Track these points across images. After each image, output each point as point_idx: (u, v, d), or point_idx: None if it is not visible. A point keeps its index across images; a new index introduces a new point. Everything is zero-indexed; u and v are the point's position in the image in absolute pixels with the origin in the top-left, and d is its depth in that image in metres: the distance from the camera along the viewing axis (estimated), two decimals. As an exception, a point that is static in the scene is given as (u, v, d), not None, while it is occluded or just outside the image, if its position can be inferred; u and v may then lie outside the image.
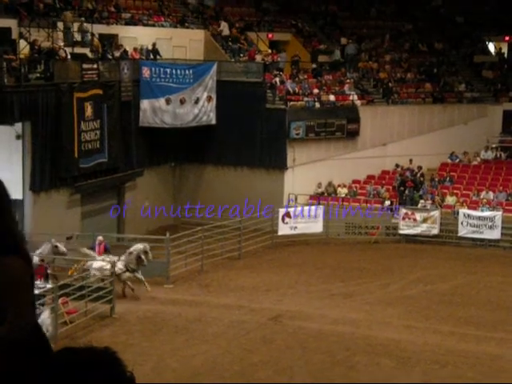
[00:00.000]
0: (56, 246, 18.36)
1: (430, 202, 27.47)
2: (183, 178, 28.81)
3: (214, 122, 27.48)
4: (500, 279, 21.16)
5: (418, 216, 26.52)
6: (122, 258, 18.11)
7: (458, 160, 30.17)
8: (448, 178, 28.99)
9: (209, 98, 27.27)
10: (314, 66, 30.85)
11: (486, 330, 16.07)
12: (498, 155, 29.97)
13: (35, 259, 17.04)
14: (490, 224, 25.63)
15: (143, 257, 17.87)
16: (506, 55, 35.04)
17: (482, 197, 27.36)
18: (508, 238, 25.50)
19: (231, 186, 27.69)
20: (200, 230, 22.80)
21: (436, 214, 26.36)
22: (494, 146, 30.44)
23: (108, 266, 17.52)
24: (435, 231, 26.24)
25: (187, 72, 26.97)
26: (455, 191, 28.12)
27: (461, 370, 13.54)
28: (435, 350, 14.46)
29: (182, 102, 26.84)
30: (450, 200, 27.54)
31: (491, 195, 27.41)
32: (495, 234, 25.57)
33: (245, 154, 27.51)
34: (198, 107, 27.16)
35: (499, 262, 23.55)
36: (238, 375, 13.34)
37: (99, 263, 17.89)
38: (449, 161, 30.23)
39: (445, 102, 31.20)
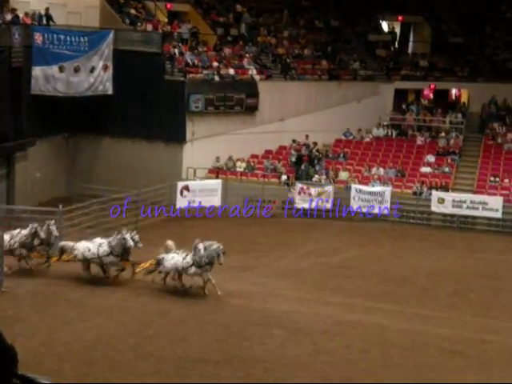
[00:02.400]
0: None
1: (324, 177, 28.18)
2: (78, 149, 28.02)
3: (110, 91, 26.82)
4: (388, 252, 22.08)
5: (313, 191, 27.14)
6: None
7: (351, 137, 31.06)
8: (342, 154, 29.83)
9: (105, 67, 26.56)
10: (230, 38, 30.71)
11: (374, 301, 16.75)
12: (389, 133, 31.11)
13: None
14: (379, 199, 26.64)
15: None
16: (398, 34, 36.22)
17: (373, 172, 28.37)
18: (396, 213, 26.59)
19: (129, 158, 27.23)
20: (95, 202, 22.31)
21: (330, 188, 27.09)
22: (385, 123, 31.56)
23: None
24: (329, 205, 26.97)
25: (82, 39, 26.12)
26: (348, 167, 28.99)
27: (349, 340, 14.08)
28: (325, 320, 14.94)
29: (77, 70, 26.01)
30: (343, 175, 28.38)
31: (382, 171, 28.47)
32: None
33: (143, 127, 27.09)
34: (93, 76, 26.41)
35: (388, 235, 24.57)
36: (132, 348, 13.28)
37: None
38: (343, 137, 31.07)
39: (340, 79, 31.94)
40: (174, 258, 16.11)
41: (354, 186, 27.09)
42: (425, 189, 27.05)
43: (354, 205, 26.82)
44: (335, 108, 30.96)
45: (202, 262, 15.78)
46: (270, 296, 16.75)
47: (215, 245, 15.91)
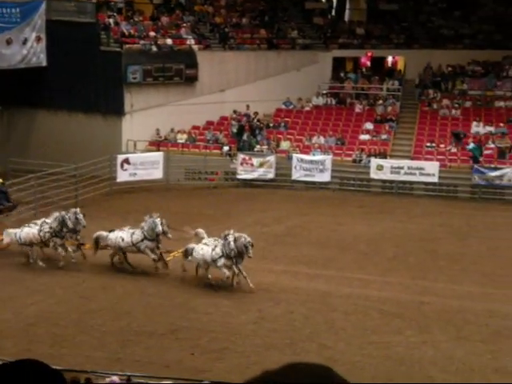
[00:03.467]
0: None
1: (266, 147, 28.25)
2: (12, 123, 27.25)
3: (44, 63, 26.07)
4: (330, 220, 22.40)
5: (255, 161, 27.22)
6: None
7: (291, 106, 31.16)
8: (283, 124, 29.92)
9: (38, 39, 25.77)
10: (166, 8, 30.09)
11: (316, 268, 17.02)
12: (328, 101, 31.33)
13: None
14: (320, 167, 26.93)
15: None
16: (334, 2, 36.31)
17: (313, 141, 28.60)
18: (337, 181, 26.99)
19: (66, 131, 26.65)
20: (32, 177, 21.80)
21: (272, 158, 27.21)
22: (324, 92, 31.76)
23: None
24: (271, 175, 27.13)
25: (13, 10, 25.22)
26: (289, 136, 29.11)
27: (293, 307, 14.31)
28: (270, 288, 15.12)
29: (9, 42, 25.14)
30: (285, 145, 28.51)
31: (322, 140, 28.73)
32: (325, 177, 26.95)
33: (79, 99, 26.50)
34: (26, 48, 25.59)
35: (329, 203, 24.90)
36: (75, 323, 13.16)
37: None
38: (283, 106, 31.14)
39: (279, 48, 31.88)
40: (203, 249, 15.32)
41: (296, 156, 27.28)
42: (364, 156, 27.44)
43: (296, 174, 27.06)
44: (275, 77, 30.92)
45: (232, 254, 14.92)
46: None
47: (243, 237, 15.04)
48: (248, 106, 29.50)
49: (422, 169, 26.26)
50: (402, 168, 26.41)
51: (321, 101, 31.23)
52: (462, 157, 26.77)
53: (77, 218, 16.17)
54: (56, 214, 16.30)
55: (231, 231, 15.23)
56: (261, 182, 26.95)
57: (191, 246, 15.61)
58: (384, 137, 28.70)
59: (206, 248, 15.26)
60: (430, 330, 13.24)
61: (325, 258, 18.03)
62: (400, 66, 33.95)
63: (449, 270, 17.16)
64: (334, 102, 31.22)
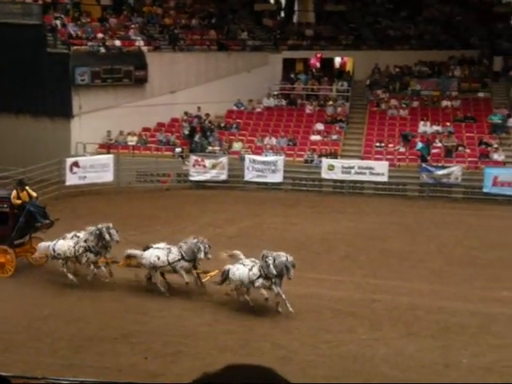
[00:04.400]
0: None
1: (218, 148, 28.25)
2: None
3: (-10, 66, 25.52)
4: (283, 220, 22.53)
5: (208, 162, 27.20)
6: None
7: (243, 107, 31.23)
8: (234, 125, 29.97)
9: (-17, 41, 25.22)
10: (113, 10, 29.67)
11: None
12: (279, 102, 31.51)
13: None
14: (273, 168, 27.07)
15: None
16: (283, 3, 36.51)
17: (265, 142, 28.73)
18: (289, 181, 27.17)
19: (13, 134, 26.13)
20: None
21: (224, 159, 27.22)
22: (275, 93, 31.93)
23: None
24: (223, 176, 27.14)
25: (-44, 11, 24.64)
26: (241, 137, 29.18)
27: (247, 307, 14.33)
28: (224, 289, 15.08)
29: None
30: (237, 146, 28.56)
31: (274, 141, 28.88)
32: (277, 178, 27.10)
33: (27, 102, 26.04)
34: (-30, 50, 25.03)
35: (282, 204, 25.05)
36: (26, 329, 12.92)
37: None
38: (235, 108, 31.18)
39: (229, 49, 31.92)
40: (240, 270, 14.34)
41: (248, 157, 27.35)
42: (315, 156, 27.70)
43: (249, 175, 27.14)
44: (226, 79, 30.94)
45: (271, 274, 13.91)
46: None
47: (283, 256, 14.02)
48: (199, 108, 29.45)
49: (371, 168, 26.64)
50: (352, 168, 26.75)
51: (272, 102, 31.38)
52: (411, 156, 27.28)
53: (109, 233, 15.12)
54: (92, 228, 15.21)
55: (269, 252, 14.12)
56: (213, 184, 26.93)
57: (227, 267, 14.65)
58: (334, 137, 29.02)
59: (243, 268, 14.29)
60: (382, 327, 13.46)
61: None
62: (349, 66, 34.38)
63: (399, 268, 17.47)
64: (284, 103, 31.41)
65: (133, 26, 29.61)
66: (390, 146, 28.08)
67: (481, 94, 30.42)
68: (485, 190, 25.38)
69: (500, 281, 16.58)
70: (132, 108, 28.18)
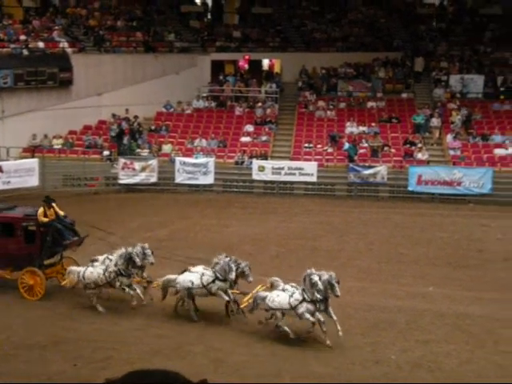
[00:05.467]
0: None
1: (147, 151, 27.98)
2: None
3: None
4: (215, 222, 22.52)
5: (137, 165, 26.91)
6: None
7: (172, 109, 31.05)
8: (164, 127, 29.75)
9: None
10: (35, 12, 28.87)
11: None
12: (209, 104, 31.50)
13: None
14: (203, 170, 27.02)
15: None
16: (210, 5, 36.51)
17: (195, 144, 28.65)
18: (220, 183, 27.19)
19: None
20: None
21: (154, 162, 27.00)
22: (204, 95, 31.89)
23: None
24: (154, 179, 26.92)
25: None
26: (171, 140, 29.00)
27: (179, 311, 14.27)
28: (156, 293, 14.95)
29: None
30: (167, 148, 28.36)
31: (204, 142, 28.83)
32: (209, 180, 27.09)
33: None
34: None
35: (213, 205, 25.04)
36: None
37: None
38: (164, 110, 30.96)
39: (156, 51, 31.67)
40: (280, 296, 13.07)
41: (178, 159, 27.22)
42: (246, 158, 27.83)
43: (179, 177, 27.00)
44: (154, 80, 30.71)
45: (316, 297, 12.61)
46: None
47: (326, 274, 12.76)
48: (127, 110, 29.10)
49: (301, 169, 26.98)
50: (282, 169, 27.01)
51: (201, 104, 31.33)
52: (338, 156, 27.77)
53: (144, 254, 14.36)
54: (122, 251, 14.44)
55: (312, 270, 12.85)
56: (143, 187, 26.67)
57: (263, 294, 13.41)
58: (264, 138, 29.22)
59: (283, 295, 13.05)
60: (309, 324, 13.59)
61: (210, 260, 18.06)
62: (277, 68, 34.70)
63: (328, 267, 17.55)
64: (214, 104, 31.40)
65: (56, 27, 28.99)
66: (319, 146, 28.51)
67: (404, 95, 31.29)
68: (409, 189, 26.11)
69: (426, 277, 17.10)
70: (57, 111, 27.59)
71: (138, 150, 27.87)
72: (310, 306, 12.61)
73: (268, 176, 27.07)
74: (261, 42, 34.09)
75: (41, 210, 14.95)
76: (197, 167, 27.05)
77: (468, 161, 26.80)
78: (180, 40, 32.77)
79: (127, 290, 14.30)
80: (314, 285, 12.47)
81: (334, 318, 12.59)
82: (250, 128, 29.90)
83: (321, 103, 31.06)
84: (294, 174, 26.95)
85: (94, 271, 14.51)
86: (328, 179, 26.91)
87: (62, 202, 24.02)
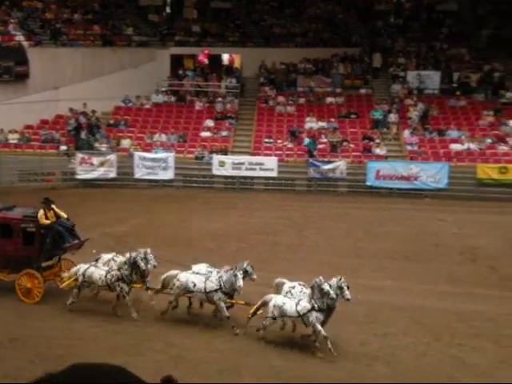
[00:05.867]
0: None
1: (105, 145, 27.69)
2: None
3: None
4: (175, 217, 22.42)
5: (95, 160, 26.62)
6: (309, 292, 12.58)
7: (130, 104, 30.76)
8: (122, 122, 29.46)
9: None
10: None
11: (163, 266, 16.91)
12: (168, 99, 31.30)
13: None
14: (163, 165, 26.87)
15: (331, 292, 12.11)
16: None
17: (155, 139, 28.45)
18: (180, 178, 27.08)
19: None
20: None
21: (112, 157, 26.73)
22: (163, 89, 31.68)
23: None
24: (112, 174, 26.66)
25: None
26: (130, 134, 28.74)
27: (137, 306, 14.19)
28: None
29: None
30: (126, 143, 28.10)
31: (164, 137, 28.66)
32: (169, 175, 26.95)
33: None
34: None
35: (173, 201, 24.93)
36: None
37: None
38: (122, 104, 30.65)
39: (114, 45, 31.32)
40: (286, 304, 12.57)
41: (137, 154, 27.01)
42: (206, 153, 27.76)
43: (139, 172, 26.80)
44: (112, 75, 30.38)
45: (324, 305, 12.14)
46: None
47: (334, 279, 12.32)
48: (85, 104, 28.74)
49: (261, 164, 27.04)
50: (242, 164, 27.04)
51: (160, 98, 31.12)
52: (298, 151, 27.91)
53: (146, 259, 13.76)
54: (127, 255, 13.91)
55: (321, 279, 12.31)
56: (102, 182, 26.39)
57: (268, 297, 12.87)
58: (224, 133, 29.19)
59: (289, 302, 12.56)
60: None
61: (171, 255, 17.98)
62: (237, 63, 34.67)
63: (288, 261, 17.83)
64: (173, 99, 31.23)
65: (12, 20, 28.43)
66: (279, 141, 28.61)
67: (363, 91, 31.59)
68: (368, 184, 26.42)
69: (384, 271, 17.33)
70: (13, 105, 27.07)
71: (96, 145, 27.56)
72: (320, 316, 12.15)
73: (228, 171, 27.06)
74: (220, 37, 34.01)
75: (41, 212, 14.52)
76: (156, 162, 26.88)
77: (425, 156, 27.22)
78: (138, 34, 32.48)
79: (127, 297, 13.75)
80: (326, 294, 12.02)
81: (324, 334, 12.12)
82: (210, 123, 29.82)
83: (281, 98, 31.15)
84: (255, 169, 27.00)
85: (96, 271, 14.12)
86: (288, 174, 27.03)
87: (17, 198, 23.70)
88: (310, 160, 26.98)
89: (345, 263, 17.88)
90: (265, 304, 12.84)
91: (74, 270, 14.51)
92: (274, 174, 26.84)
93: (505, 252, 19.29)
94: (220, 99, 31.16)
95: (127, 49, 31.53)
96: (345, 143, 28.12)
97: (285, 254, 18.70)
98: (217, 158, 27.21)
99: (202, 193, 26.13)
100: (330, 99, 31.01)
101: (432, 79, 31.16)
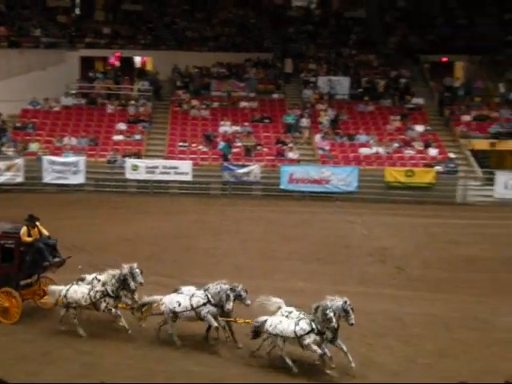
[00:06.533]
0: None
1: (12, 149, 26.83)
2: None
3: None
4: (86, 222, 21.93)
5: (1, 164, 25.87)
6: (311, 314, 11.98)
7: (39, 106, 29.89)
8: (30, 125, 28.60)
9: None
10: None
11: (73, 273, 16.54)
12: (79, 101, 30.61)
13: None
14: (74, 169, 26.28)
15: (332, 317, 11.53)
16: (78, 0, 35.43)
17: (64, 143, 27.78)
18: (92, 182, 26.54)
19: None
20: None
21: (19, 161, 25.96)
22: (73, 91, 30.96)
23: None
24: (20, 179, 25.90)
25: None
26: (38, 138, 27.94)
27: (48, 313, 13.83)
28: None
29: None
30: (33, 147, 27.30)
31: (74, 141, 28.02)
32: (79, 179, 26.37)
33: None
34: None
35: (85, 205, 24.42)
36: None
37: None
38: (30, 107, 29.74)
39: (21, 46, 30.40)
40: (283, 323, 12.00)
41: (46, 158, 26.31)
42: (118, 157, 27.35)
43: (48, 176, 26.10)
44: (19, 77, 29.46)
45: (331, 327, 11.57)
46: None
47: (340, 301, 11.74)
48: (-9, 107, 27.71)
49: (176, 168, 26.92)
50: (156, 168, 26.84)
51: (70, 101, 30.42)
52: (213, 155, 27.94)
53: (132, 274, 13.22)
54: (113, 272, 13.29)
55: (327, 302, 11.72)
56: (9, 187, 25.60)
57: (262, 318, 12.33)
58: (138, 137, 28.86)
59: (287, 322, 12.00)
60: (188, 324, 13.61)
61: (79, 261, 17.57)
62: (149, 66, 34.34)
63: (204, 265, 17.83)
64: (84, 102, 30.59)
65: None
66: (193, 145, 28.54)
67: (275, 96, 31.99)
68: (282, 187, 26.78)
69: (296, 273, 17.62)
70: None
71: (3, 149, 26.66)
72: (318, 338, 11.69)
73: (142, 175, 26.77)
74: (132, 40, 33.60)
75: (24, 229, 13.84)
76: (66, 166, 26.25)
77: (336, 160, 27.85)
78: (46, 35, 31.61)
79: (113, 310, 13.20)
80: (328, 320, 11.54)
81: (344, 348, 11.68)
82: (122, 126, 29.41)
83: (195, 102, 31.08)
84: (169, 173, 26.84)
85: (78, 290, 13.51)
86: (203, 178, 27.02)
87: None
88: (225, 164, 27.06)
89: (259, 266, 18.06)
90: (257, 329, 12.26)
91: (53, 290, 13.80)
92: (189, 177, 26.75)
93: (412, 253, 20.01)
94: (133, 102, 30.77)
95: (35, 50, 30.64)
96: (259, 147, 28.39)
97: (200, 257, 18.68)
98: (130, 162, 26.85)
99: (115, 197, 25.72)
100: (243, 103, 31.22)
101: (342, 85, 31.93)
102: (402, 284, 17.32)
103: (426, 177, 26.68)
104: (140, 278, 13.25)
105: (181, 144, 28.66)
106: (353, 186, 26.66)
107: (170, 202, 25.56)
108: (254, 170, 26.91)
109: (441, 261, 19.25)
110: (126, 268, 13.21)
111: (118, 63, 34.26)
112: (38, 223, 14.16)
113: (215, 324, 12.64)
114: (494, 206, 25.85)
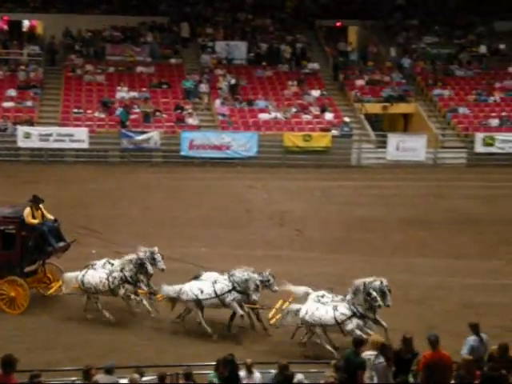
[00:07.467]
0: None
1: None
2: None
3: None
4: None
5: None
6: (348, 297, 11.32)
7: None
8: None
9: None
10: None
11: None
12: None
13: None
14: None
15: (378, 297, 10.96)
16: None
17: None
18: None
19: None
20: None
21: None
22: None
23: None
24: None
25: None
26: None
27: None
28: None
29: None
30: None
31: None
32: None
33: None
34: None
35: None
36: None
37: None
38: None
39: None
40: (320, 310, 11.42)
41: None
42: (9, 124, 26.28)
43: None
44: None
45: (364, 310, 11.16)
46: None
47: (377, 281, 11.30)
48: None
49: (71, 135, 26.25)
50: (50, 135, 26.08)
51: None
52: (110, 122, 27.33)
53: (154, 259, 12.61)
54: (131, 256, 12.63)
55: (366, 281, 11.26)
56: None
57: (295, 307, 11.82)
58: (29, 104, 27.79)
59: (324, 308, 11.45)
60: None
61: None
62: (39, 30, 32.91)
63: (103, 234, 17.50)
64: None
65: None
66: (89, 112, 27.78)
67: (173, 60, 31.53)
68: (182, 154, 26.64)
69: (198, 238, 17.74)
70: None
71: None
72: (361, 322, 11.21)
73: (35, 143, 25.91)
74: (21, 2, 32.02)
75: (28, 210, 12.98)
76: None
77: (235, 125, 27.95)
78: None
79: (133, 296, 12.67)
80: (373, 300, 11.13)
81: (385, 325, 11.27)
82: (12, 92, 28.19)
83: (89, 67, 30.15)
84: (64, 141, 26.11)
85: (96, 275, 12.83)
86: (100, 145, 26.45)
87: None
88: (123, 131, 26.55)
89: (160, 233, 18.01)
90: (293, 313, 11.81)
91: (69, 277, 13.13)
92: (85, 145, 26.11)
93: (310, 215, 20.59)
94: (23, 67, 29.47)
95: None
96: (157, 113, 28.01)
97: (99, 227, 18.24)
98: (22, 130, 25.87)
99: (7, 166, 24.76)
100: (140, 68, 30.58)
101: (240, 50, 31.89)
102: (300, 246, 17.82)
103: (322, 141, 27.29)
104: (162, 264, 12.85)
105: (75, 111, 27.82)
106: (253, 151, 26.91)
107: (67, 170, 24.90)
108: (153, 136, 26.57)
109: (337, 222, 19.91)
110: (144, 252, 12.81)
111: (6, 27, 32.61)
112: (41, 205, 13.46)
113: (241, 312, 12.21)
114: (387, 167, 26.86)
